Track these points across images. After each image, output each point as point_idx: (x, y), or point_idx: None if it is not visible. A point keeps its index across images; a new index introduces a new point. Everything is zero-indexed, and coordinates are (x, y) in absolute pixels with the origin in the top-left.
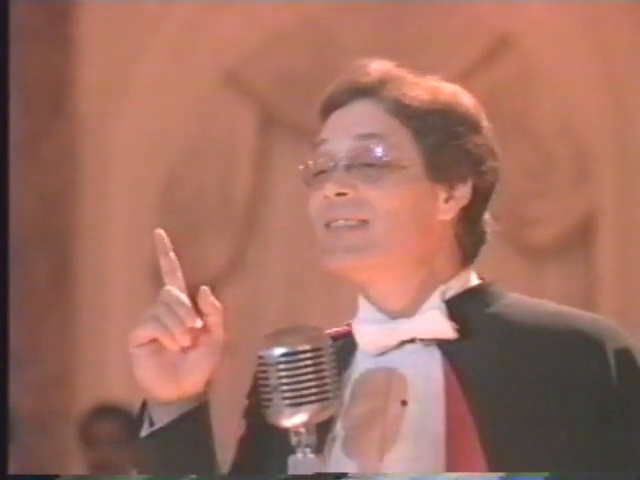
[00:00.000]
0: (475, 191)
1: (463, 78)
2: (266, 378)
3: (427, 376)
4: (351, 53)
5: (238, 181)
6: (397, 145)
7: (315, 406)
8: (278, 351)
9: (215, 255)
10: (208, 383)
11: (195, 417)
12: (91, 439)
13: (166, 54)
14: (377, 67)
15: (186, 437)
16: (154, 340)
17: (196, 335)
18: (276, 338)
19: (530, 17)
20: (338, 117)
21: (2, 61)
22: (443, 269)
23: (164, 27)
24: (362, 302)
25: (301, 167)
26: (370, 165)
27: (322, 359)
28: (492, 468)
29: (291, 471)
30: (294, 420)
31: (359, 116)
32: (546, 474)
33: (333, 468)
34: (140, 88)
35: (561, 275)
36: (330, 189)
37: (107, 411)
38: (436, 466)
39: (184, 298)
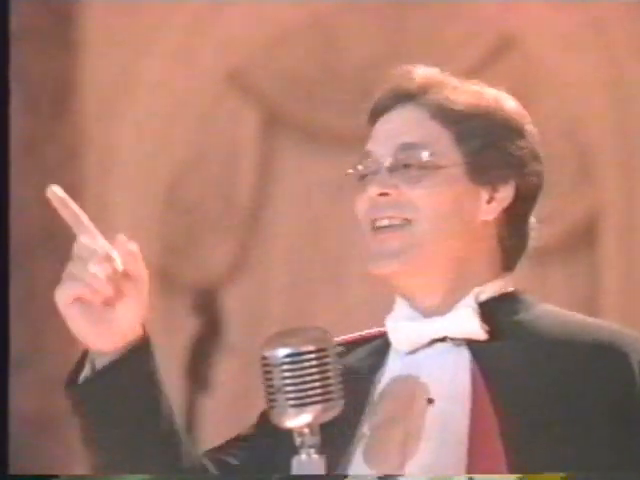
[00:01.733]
0: (518, 193)
1: (466, 78)
2: (270, 379)
3: (454, 375)
4: (355, 54)
5: (241, 182)
6: (439, 150)
7: (319, 407)
8: (282, 352)
9: (219, 256)
10: (143, 325)
11: (135, 357)
12: None
13: (169, 55)
14: (421, 73)
15: (128, 377)
16: (79, 297)
17: (118, 282)
18: (280, 339)
19: (533, 17)
20: (384, 123)
21: (2, 62)
22: (481, 271)
23: (167, 28)
24: (398, 300)
25: (350, 171)
26: (412, 166)
27: (326, 360)
28: (512, 469)
29: (295, 471)
30: (298, 421)
31: (403, 122)
32: (563, 475)
33: (359, 465)
34: (143, 89)
35: (564, 274)
36: (373, 190)
37: None
38: (458, 465)
39: (96, 246)
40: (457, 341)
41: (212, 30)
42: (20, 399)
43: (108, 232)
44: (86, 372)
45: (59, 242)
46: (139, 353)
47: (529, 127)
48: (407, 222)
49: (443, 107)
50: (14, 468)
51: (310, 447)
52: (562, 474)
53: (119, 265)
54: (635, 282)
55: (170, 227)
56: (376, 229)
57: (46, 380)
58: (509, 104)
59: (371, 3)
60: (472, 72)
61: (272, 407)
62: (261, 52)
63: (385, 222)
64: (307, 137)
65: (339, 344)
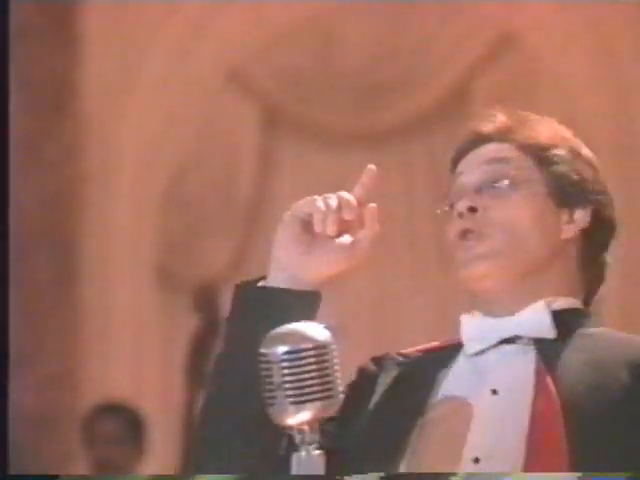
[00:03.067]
0: (595, 219)
1: (466, 76)
2: (269, 376)
3: (519, 370)
4: (355, 52)
5: (242, 179)
6: (524, 167)
7: (318, 404)
8: (281, 349)
9: (219, 253)
10: (322, 283)
11: (307, 299)
12: (94, 437)
13: (170, 53)
14: (501, 116)
15: (290, 312)
16: (309, 221)
17: (345, 231)
18: (279, 336)
19: (533, 16)
20: (466, 160)
21: (3, 61)
22: (557, 287)
23: (168, 26)
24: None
25: (439, 211)
26: (497, 183)
27: (325, 357)
28: (574, 467)
29: (295, 468)
30: (298, 418)
31: (488, 150)
32: (627, 474)
33: (420, 454)
34: (144, 87)
35: None
36: (462, 205)
37: (111, 409)
38: (516, 457)
39: (353, 201)
40: (525, 340)
41: (212, 29)
42: (20, 398)
43: (109, 230)
44: (267, 282)
45: (59, 241)
46: (310, 297)
47: (598, 167)
48: (490, 235)
49: (526, 141)
50: (14, 468)
51: (310, 444)
52: (626, 473)
53: (351, 213)
54: (635, 282)
55: (170, 225)
56: (463, 238)
57: (46, 379)
58: (583, 145)
59: (371, 2)
60: (472, 70)
61: (271, 404)
62: (261, 50)
63: (471, 235)
64: (307, 135)
65: (414, 353)
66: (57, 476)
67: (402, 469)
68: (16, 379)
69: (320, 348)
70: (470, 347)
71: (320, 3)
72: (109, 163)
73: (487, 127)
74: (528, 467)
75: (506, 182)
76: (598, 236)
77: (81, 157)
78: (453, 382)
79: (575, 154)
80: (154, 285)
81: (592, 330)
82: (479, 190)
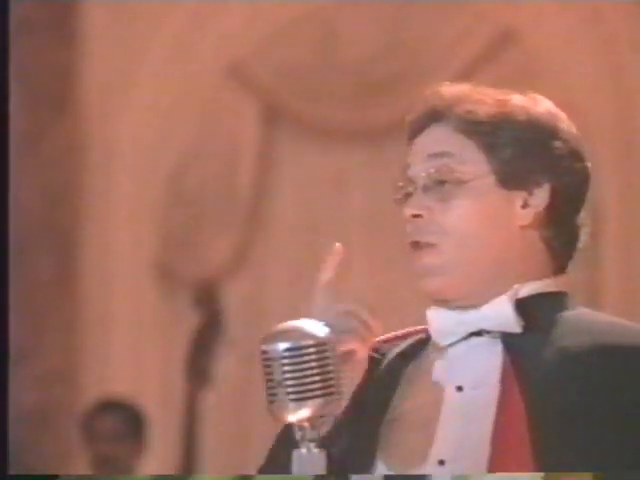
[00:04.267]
0: (555, 193)
1: (466, 74)
2: (270, 373)
3: (485, 366)
4: (355, 47)
5: (242, 175)
6: (467, 160)
7: (319, 401)
8: (282, 346)
9: (219, 249)
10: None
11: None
12: (94, 434)
13: (170, 49)
14: (449, 90)
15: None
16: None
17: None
18: (280, 333)
19: (533, 13)
20: (418, 143)
21: (3, 57)
22: (526, 272)
23: (168, 22)
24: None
25: (397, 191)
26: (443, 183)
27: (326, 354)
28: (539, 465)
29: (295, 465)
30: (298, 415)
31: (431, 139)
32: (591, 474)
33: (386, 451)
34: (144, 83)
35: None
36: (407, 211)
37: (111, 406)
38: (480, 455)
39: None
40: (492, 334)
41: (212, 23)
42: (19, 395)
43: (109, 226)
44: None
45: (59, 238)
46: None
47: (563, 125)
48: (435, 246)
49: (465, 120)
50: (14, 468)
51: (310, 441)
52: (591, 474)
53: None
54: (635, 279)
55: (170, 221)
56: (414, 247)
57: (46, 376)
58: (539, 107)
59: None
60: (472, 68)
61: (272, 401)
62: (261, 45)
63: (421, 241)
64: (307, 130)
65: (383, 341)
66: (57, 476)
67: (378, 469)
68: (16, 376)
69: (321, 345)
70: (439, 340)
71: None
72: (109, 159)
73: (436, 103)
74: (493, 468)
75: (450, 182)
76: (564, 207)
77: (81, 153)
78: (420, 376)
79: (524, 128)
80: (154, 281)
81: (563, 315)
82: (426, 189)
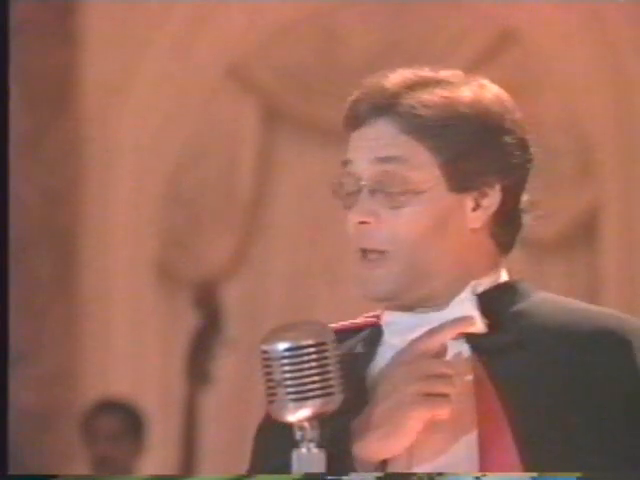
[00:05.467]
0: (505, 191)
1: (466, 73)
2: (270, 373)
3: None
4: (355, 48)
5: (241, 175)
6: (416, 165)
7: (319, 401)
8: (282, 346)
9: (218, 249)
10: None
11: None
12: (94, 434)
13: (169, 50)
14: (393, 81)
15: None
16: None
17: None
18: (280, 333)
19: (534, 12)
20: (359, 137)
21: (2, 58)
22: (479, 266)
23: (167, 22)
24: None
25: (334, 182)
26: (392, 192)
27: (326, 354)
28: (525, 464)
29: (295, 465)
30: (298, 415)
31: (377, 137)
32: (578, 474)
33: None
34: (143, 84)
35: (563, 271)
36: (354, 217)
37: (110, 406)
38: (469, 460)
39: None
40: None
41: (212, 24)
42: (19, 395)
43: (109, 226)
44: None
45: (59, 239)
46: None
47: (511, 116)
48: (385, 254)
49: (415, 121)
50: (14, 468)
51: (310, 441)
52: (576, 474)
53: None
54: (635, 277)
55: (170, 221)
56: (362, 254)
57: (46, 376)
58: (487, 101)
59: None
60: (472, 67)
61: (272, 401)
62: (261, 46)
63: (368, 248)
64: (307, 131)
65: (336, 330)
66: (57, 476)
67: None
68: (16, 376)
69: (321, 345)
70: (395, 342)
71: None
72: (109, 159)
73: (380, 94)
74: (483, 470)
75: (399, 188)
76: (512, 203)
77: (81, 153)
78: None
79: (472, 126)
80: (154, 281)
81: (524, 305)
82: (373, 193)
